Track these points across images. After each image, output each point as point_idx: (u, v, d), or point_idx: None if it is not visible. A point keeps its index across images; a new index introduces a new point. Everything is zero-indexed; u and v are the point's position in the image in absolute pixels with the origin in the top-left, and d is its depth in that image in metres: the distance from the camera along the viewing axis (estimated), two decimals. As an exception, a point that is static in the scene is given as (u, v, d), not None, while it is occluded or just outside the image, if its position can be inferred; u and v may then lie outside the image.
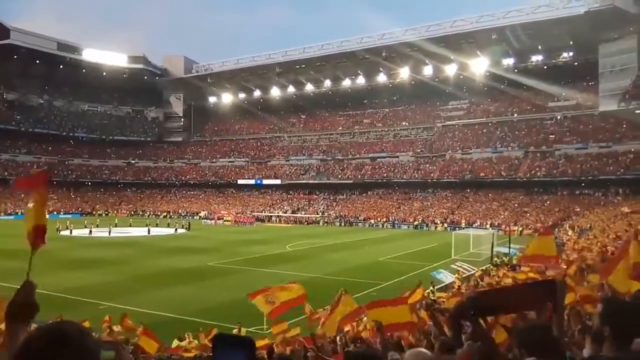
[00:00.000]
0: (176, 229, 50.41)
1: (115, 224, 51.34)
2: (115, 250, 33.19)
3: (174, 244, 38.32)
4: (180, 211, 73.01)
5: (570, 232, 35.19)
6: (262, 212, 69.05)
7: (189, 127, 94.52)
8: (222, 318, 14.73)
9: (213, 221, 63.33)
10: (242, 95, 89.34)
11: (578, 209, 49.63)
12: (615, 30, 54.56)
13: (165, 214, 70.52)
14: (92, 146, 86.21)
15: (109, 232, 45.02)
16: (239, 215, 65.11)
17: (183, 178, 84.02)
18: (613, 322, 2.19)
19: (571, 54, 64.68)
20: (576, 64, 63.65)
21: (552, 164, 57.63)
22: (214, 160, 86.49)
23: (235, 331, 11.64)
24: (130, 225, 52.98)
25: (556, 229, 41.98)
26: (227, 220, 62.28)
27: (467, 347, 3.83)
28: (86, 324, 8.76)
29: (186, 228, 51.73)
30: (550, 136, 61.78)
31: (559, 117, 63.82)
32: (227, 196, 78.89)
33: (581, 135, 58.59)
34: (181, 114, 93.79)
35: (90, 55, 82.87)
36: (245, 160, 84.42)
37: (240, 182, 79.11)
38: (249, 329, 12.20)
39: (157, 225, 52.59)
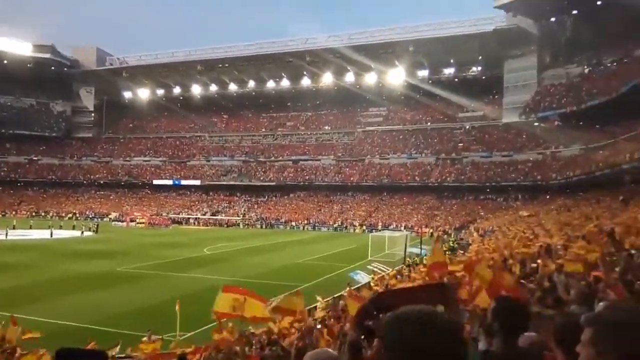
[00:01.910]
0: (82, 232, 47.06)
1: (14, 225, 46.89)
2: (12, 255, 30.30)
3: (80, 247, 35.74)
4: (87, 213, 68.38)
5: (475, 234, 37.76)
6: (179, 214, 66.68)
7: (101, 123, 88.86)
8: (131, 325, 13.99)
9: (125, 223, 60.03)
10: (160, 92, 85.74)
11: (482, 213, 53.53)
12: (519, 48, 59.82)
13: (70, 215, 65.69)
14: (-12, 140, 78.15)
15: (6, 234, 41.02)
16: (153, 217, 62.29)
17: (92, 177, 78.72)
18: (501, 318, 2.37)
19: (479, 68, 69.80)
20: (484, 78, 68.70)
21: (460, 171, 61.70)
22: (128, 158, 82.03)
23: (144, 339, 11.10)
24: (31, 227, 48.64)
25: (462, 231, 45.03)
26: (141, 223, 59.28)
27: (377, 344, 3.96)
28: None
29: (94, 231, 48.51)
30: (459, 144, 66.15)
31: (467, 127, 68.46)
32: (141, 197, 75.18)
33: (486, 145, 63.33)
34: (92, 109, 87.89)
35: (-12, 40, 75.17)
36: (163, 159, 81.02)
37: (156, 182, 75.68)
38: (160, 336, 11.69)
39: (60, 228, 48.81)
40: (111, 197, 75.58)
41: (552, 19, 56.24)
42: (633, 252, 8.59)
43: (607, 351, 1.40)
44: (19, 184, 76.65)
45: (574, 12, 53.32)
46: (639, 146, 30.94)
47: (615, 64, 48.09)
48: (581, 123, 48.98)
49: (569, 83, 54.23)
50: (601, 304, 3.36)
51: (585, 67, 53.87)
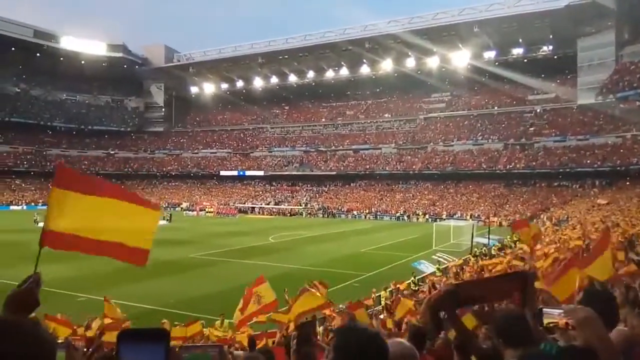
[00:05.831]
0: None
1: (95, 215, 50.46)
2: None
3: (156, 235, 37.78)
4: (161, 202, 72.21)
5: (547, 223, 35.89)
6: (244, 203, 68.80)
7: (170, 117, 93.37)
8: (204, 309, 14.70)
9: (195, 212, 62.88)
10: (224, 86, 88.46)
11: (555, 201, 50.69)
12: (594, 24, 55.58)
13: (146, 205, 69.50)
14: (71, 136, 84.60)
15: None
16: (221, 206, 64.76)
17: (164, 169, 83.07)
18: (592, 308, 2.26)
19: (551, 47, 65.61)
20: (555, 57, 64.60)
21: (530, 157, 58.60)
22: (196, 151, 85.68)
23: (217, 323, 11.60)
24: (111, 217, 52.12)
25: (534, 220, 42.80)
26: (210, 212, 61.93)
27: (444, 338, 3.89)
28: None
29: (167, 219, 51.22)
30: (530, 129, 62.77)
31: (538, 110, 64.81)
32: (209, 187, 78.34)
33: (560, 128, 59.63)
34: (162, 104, 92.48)
35: (68, 43, 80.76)
36: (228, 151, 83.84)
37: (222, 173, 78.59)
38: (231, 320, 12.18)
39: (137, 217, 51.82)
40: (182, 188, 79.41)
41: (633, -10, 51.70)
42: None
43: None
44: (99, 176, 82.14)
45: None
46: None
47: None
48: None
49: (653, 59, 49.78)
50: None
51: (672, 40, 49.19)
